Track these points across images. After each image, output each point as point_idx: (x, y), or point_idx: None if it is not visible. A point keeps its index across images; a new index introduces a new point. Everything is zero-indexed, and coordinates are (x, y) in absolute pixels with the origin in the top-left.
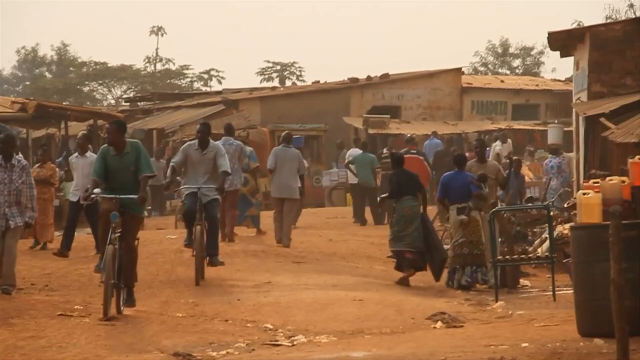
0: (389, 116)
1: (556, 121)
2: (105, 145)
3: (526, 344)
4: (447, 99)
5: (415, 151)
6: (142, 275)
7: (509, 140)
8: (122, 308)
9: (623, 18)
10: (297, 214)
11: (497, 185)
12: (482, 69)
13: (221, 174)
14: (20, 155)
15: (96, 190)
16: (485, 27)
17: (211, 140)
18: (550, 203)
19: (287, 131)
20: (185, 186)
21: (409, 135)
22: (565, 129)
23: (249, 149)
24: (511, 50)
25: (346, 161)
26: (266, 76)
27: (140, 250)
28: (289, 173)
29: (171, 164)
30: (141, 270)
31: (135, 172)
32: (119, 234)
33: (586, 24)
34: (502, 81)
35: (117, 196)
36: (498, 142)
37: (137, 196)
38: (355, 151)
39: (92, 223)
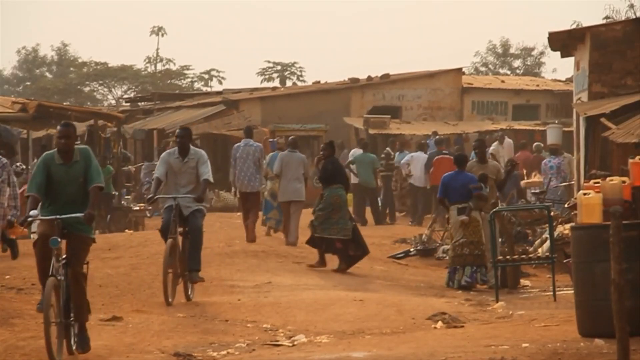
0: (389, 116)
1: (556, 121)
2: (49, 152)
3: (527, 344)
4: (448, 99)
5: (447, 152)
6: (143, 275)
7: (509, 141)
8: (74, 349)
9: (623, 18)
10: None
11: (497, 184)
12: (482, 69)
13: (202, 182)
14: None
15: (33, 213)
16: (486, 28)
17: (192, 147)
18: (556, 197)
19: (292, 136)
20: (162, 196)
21: (437, 136)
22: (565, 129)
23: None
24: (512, 50)
25: (347, 161)
26: (267, 76)
27: (141, 250)
28: (295, 177)
29: (155, 175)
30: (142, 271)
31: (84, 185)
32: (63, 262)
33: (587, 24)
34: (502, 81)
35: (57, 217)
36: (495, 143)
37: (83, 214)
38: (357, 151)
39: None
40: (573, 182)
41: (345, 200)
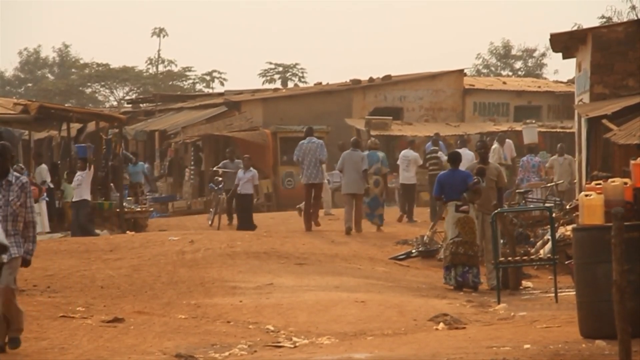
0: (391, 118)
1: (534, 121)
2: None
3: (528, 346)
4: (450, 100)
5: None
6: (144, 276)
7: (510, 142)
8: None
9: (625, 19)
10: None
11: (497, 187)
12: (484, 70)
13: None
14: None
15: None
16: (488, 29)
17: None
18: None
19: (354, 137)
20: None
21: (458, 140)
22: (538, 129)
23: (380, 154)
24: (513, 52)
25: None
26: (268, 78)
27: (142, 251)
28: (357, 173)
29: None
30: (143, 272)
31: None
32: None
33: (589, 26)
34: (504, 83)
35: None
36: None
37: None
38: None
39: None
40: (576, 182)
41: None
